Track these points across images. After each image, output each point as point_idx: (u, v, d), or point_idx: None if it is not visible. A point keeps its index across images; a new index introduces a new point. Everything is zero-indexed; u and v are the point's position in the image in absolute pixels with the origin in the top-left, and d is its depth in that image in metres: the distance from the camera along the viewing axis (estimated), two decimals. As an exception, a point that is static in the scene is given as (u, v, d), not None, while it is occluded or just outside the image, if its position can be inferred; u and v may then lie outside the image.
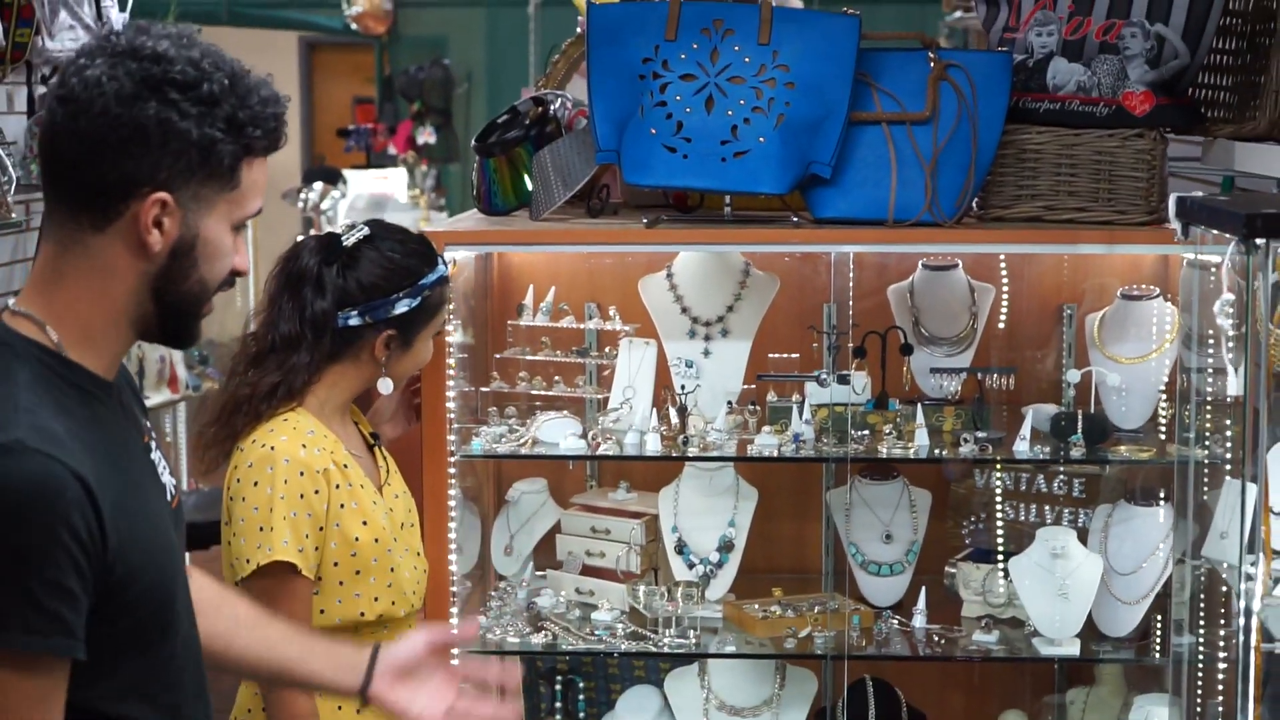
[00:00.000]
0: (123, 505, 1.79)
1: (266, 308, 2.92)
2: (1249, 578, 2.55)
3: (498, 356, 3.68)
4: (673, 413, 3.48)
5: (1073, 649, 3.38)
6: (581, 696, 3.76)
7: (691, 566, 3.59)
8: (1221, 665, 2.89)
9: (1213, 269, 2.68)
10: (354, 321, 2.88)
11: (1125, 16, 3.24)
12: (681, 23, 3.25)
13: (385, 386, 2.96)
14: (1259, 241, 2.44)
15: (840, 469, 3.57)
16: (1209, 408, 2.95)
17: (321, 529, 2.78)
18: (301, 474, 2.76)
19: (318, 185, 9.96)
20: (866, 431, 3.44)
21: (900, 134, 3.25)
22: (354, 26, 12.06)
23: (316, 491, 2.77)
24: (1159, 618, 3.38)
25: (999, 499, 3.63)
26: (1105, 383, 3.46)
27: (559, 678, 3.76)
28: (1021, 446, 3.37)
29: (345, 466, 2.84)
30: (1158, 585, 3.36)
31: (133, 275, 1.83)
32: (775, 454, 3.41)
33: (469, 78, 12.19)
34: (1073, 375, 3.49)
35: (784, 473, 3.74)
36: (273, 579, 2.73)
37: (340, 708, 2.82)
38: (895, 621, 3.51)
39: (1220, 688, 2.90)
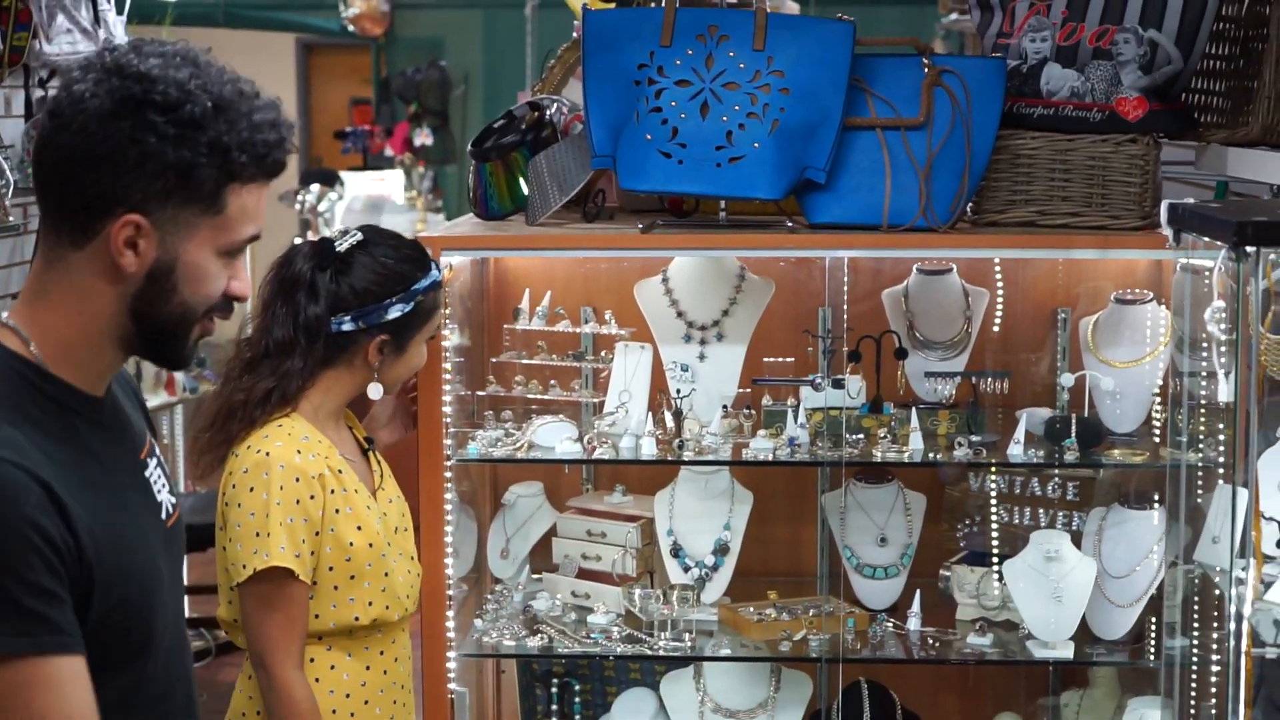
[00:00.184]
0: (99, 517, 1.77)
1: (260, 313, 2.93)
2: (1239, 582, 2.56)
3: (494, 360, 3.69)
4: (668, 416, 3.49)
5: (1067, 652, 3.39)
6: (577, 699, 3.77)
7: (687, 569, 3.60)
8: (1214, 669, 2.90)
9: (1206, 273, 2.69)
10: (347, 326, 2.89)
11: (1118, 22, 3.26)
12: (677, 29, 3.26)
13: (375, 392, 2.96)
14: (1249, 249, 2.45)
15: (835, 473, 3.58)
16: (1202, 412, 2.96)
17: (317, 534, 2.79)
18: (297, 480, 2.77)
19: (314, 187, 9.96)
20: (861, 435, 3.45)
21: (894, 139, 3.26)
22: (351, 28, 12.06)
23: (312, 497, 2.78)
24: (1153, 620, 3.39)
25: (993, 502, 3.64)
26: (1099, 387, 3.47)
27: (555, 680, 3.77)
28: (1016, 450, 3.38)
29: (339, 472, 2.84)
30: (1151, 588, 3.37)
31: (110, 295, 1.81)
32: (770, 458, 3.42)
33: (466, 79, 12.20)
34: (1067, 379, 3.50)
35: (779, 476, 3.75)
36: (270, 584, 2.74)
37: (348, 695, 2.83)
38: (890, 624, 3.52)
39: (1213, 691, 2.92)
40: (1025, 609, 3.40)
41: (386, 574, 2.87)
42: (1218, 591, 2.81)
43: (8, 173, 3.58)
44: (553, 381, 3.66)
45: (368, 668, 2.88)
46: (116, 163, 1.75)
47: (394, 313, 2.91)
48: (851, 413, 3.45)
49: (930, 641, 3.47)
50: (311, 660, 2.81)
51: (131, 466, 1.92)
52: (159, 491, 1.96)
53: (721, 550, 3.61)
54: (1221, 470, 2.88)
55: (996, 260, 3.62)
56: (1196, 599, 3.01)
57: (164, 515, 1.96)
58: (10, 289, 3.74)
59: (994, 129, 3.25)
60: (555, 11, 9.11)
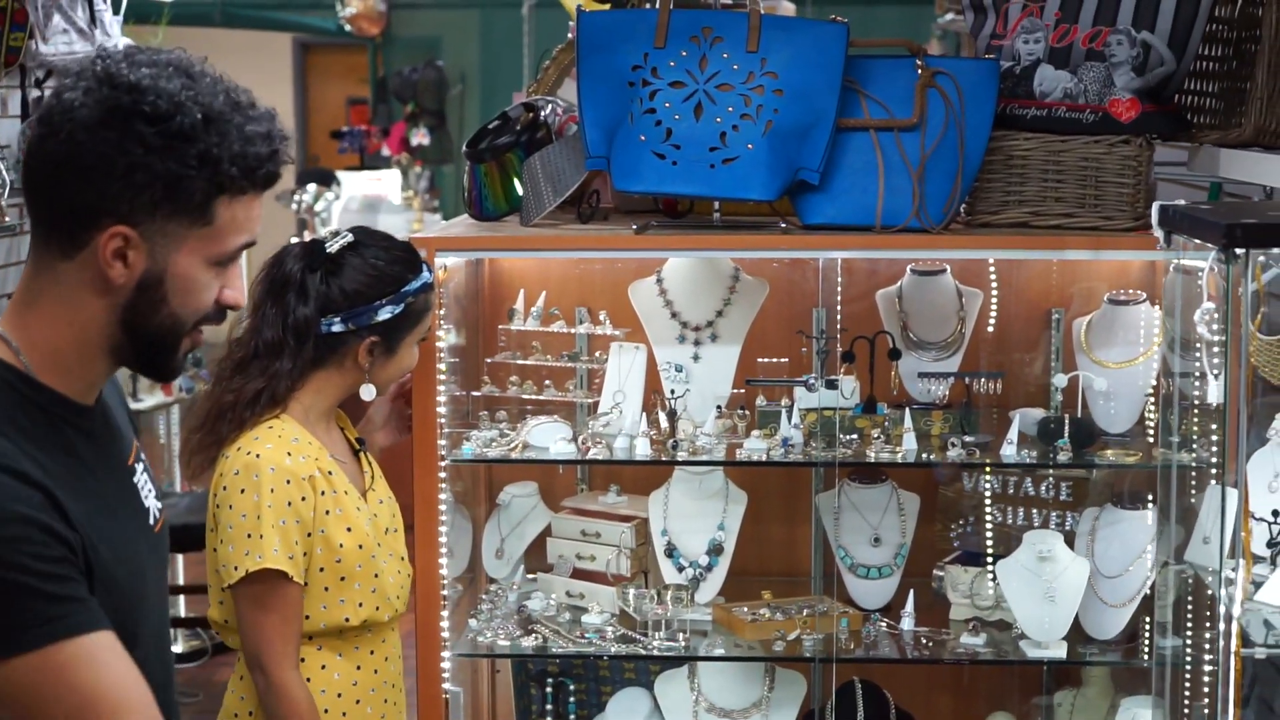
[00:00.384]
0: (92, 525, 1.77)
1: (251, 314, 2.93)
2: (1230, 582, 2.57)
3: (489, 361, 3.69)
4: (662, 417, 3.49)
5: (1060, 651, 3.40)
6: (572, 699, 3.78)
7: (681, 569, 3.61)
8: (1206, 669, 2.91)
9: (1199, 273, 2.69)
10: (337, 328, 2.89)
11: (1111, 24, 3.26)
12: (671, 30, 3.27)
13: (368, 393, 2.96)
14: (1239, 251, 2.46)
15: (829, 473, 3.59)
16: (1194, 413, 2.97)
17: (309, 535, 2.79)
18: (288, 481, 2.77)
19: (311, 187, 9.96)
20: (855, 436, 3.46)
21: (888, 140, 3.27)
22: (348, 28, 12.07)
23: (303, 499, 2.78)
24: (1146, 620, 3.40)
25: (987, 503, 3.65)
26: (1092, 387, 3.48)
27: (549, 680, 3.77)
28: (1009, 450, 3.39)
29: (330, 473, 2.85)
30: (1144, 588, 3.38)
31: (99, 306, 1.80)
32: (764, 458, 3.43)
33: (463, 79, 12.21)
34: (1060, 380, 3.51)
35: (773, 477, 3.76)
36: (263, 584, 2.75)
37: (339, 695, 2.84)
38: (884, 624, 3.53)
39: (1205, 690, 2.93)
40: (1018, 609, 3.41)
41: (376, 575, 2.87)
42: (1209, 592, 2.82)
43: (4, 173, 3.58)
44: (547, 382, 3.67)
45: (358, 668, 2.88)
46: (103, 173, 1.74)
47: (384, 314, 2.91)
48: (845, 413, 3.46)
49: (924, 641, 3.47)
50: (302, 660, 2.82)
51: (120, 474, 1.91)
52: (146, 497, 1.96)
53: (716, 550, 3.61)
54: (1213, 471, 2.89)
55: (990, 261, 3.63)
56: (1189, 599, 3.02)
57: (151, 521, 1.96)
58: (6, 289, 3.74)
59: (987, 130, 3.26)
60: (552, 11, 9.12)
